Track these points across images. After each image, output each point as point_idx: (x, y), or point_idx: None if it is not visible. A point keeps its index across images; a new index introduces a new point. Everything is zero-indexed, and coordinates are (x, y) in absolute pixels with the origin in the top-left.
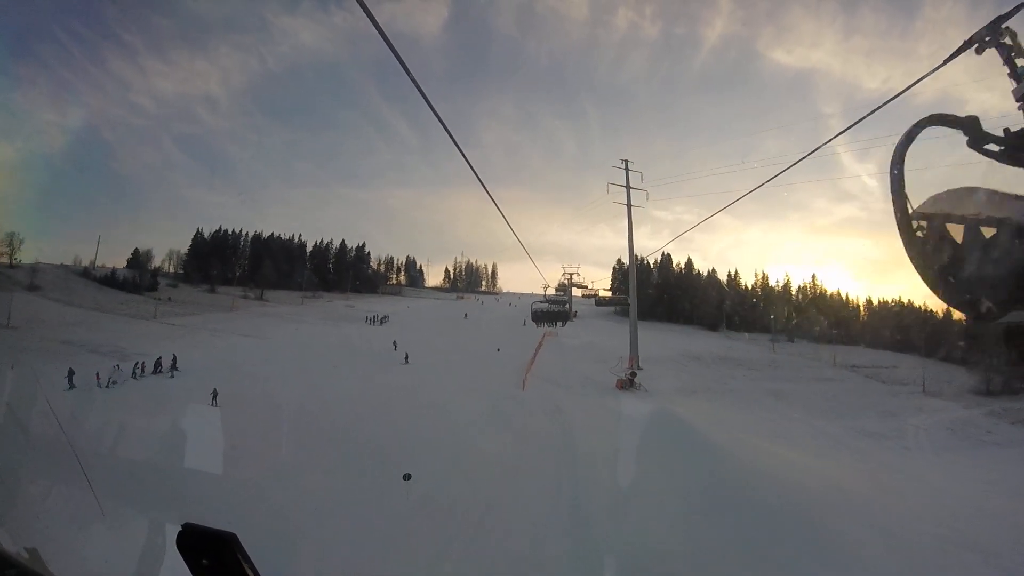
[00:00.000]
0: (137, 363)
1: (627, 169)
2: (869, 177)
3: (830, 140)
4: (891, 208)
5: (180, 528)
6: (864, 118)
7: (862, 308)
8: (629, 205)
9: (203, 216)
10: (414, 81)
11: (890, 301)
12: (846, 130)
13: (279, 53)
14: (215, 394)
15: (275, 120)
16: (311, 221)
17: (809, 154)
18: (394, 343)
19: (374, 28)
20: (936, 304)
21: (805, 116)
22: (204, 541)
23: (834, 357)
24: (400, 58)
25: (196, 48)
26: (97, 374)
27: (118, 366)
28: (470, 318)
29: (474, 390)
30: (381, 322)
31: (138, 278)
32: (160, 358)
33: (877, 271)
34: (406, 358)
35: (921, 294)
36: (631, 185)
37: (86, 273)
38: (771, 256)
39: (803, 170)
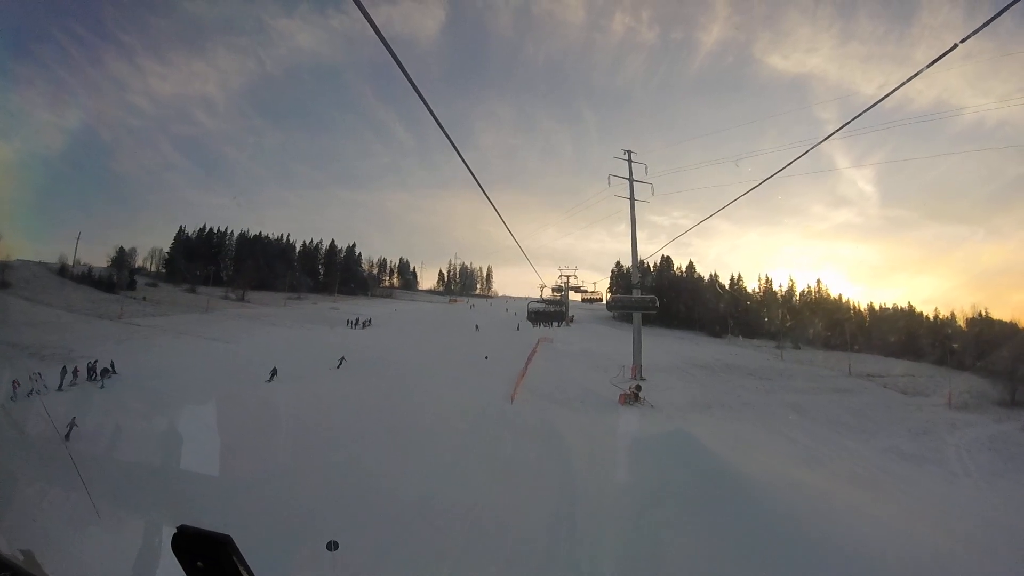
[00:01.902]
0: (64, 368)
1: (630, 160)
2: (865, 183)
3: (822, 141)
4: (888, 213)
5: (175, 530)
6: (854, 119)
7: (865, 313)
8: (632, 198)
9: (200, 217)
10: (412, 84)
11: (891, 306)
12: (837, 131)
13: (276, 55)
14: (71, 425)
15: (272, 122)
16: (308, 223)
17: (802, 155)
18: (341, 358)
19: (372, 31)
20: (943, 309)
21: (802, 121)
22: (199, 543)
23: (849, 366)
24: (398, 60)
25: (194, 50)
26: (15, 383)
27: (39, 374)
28: (457, 321)
29: (453, 406)
30: (363, 326)
31: (115, 276)
32: (95, 362)
33: (874, 276)
34: (272, 374)
35: (921, 299)
36: (635, 178)
37: (63, 271)
38: (768, 261)
39: (799, 177)
